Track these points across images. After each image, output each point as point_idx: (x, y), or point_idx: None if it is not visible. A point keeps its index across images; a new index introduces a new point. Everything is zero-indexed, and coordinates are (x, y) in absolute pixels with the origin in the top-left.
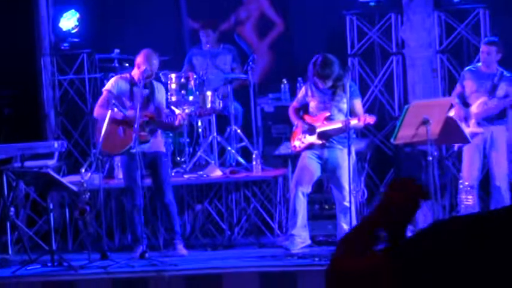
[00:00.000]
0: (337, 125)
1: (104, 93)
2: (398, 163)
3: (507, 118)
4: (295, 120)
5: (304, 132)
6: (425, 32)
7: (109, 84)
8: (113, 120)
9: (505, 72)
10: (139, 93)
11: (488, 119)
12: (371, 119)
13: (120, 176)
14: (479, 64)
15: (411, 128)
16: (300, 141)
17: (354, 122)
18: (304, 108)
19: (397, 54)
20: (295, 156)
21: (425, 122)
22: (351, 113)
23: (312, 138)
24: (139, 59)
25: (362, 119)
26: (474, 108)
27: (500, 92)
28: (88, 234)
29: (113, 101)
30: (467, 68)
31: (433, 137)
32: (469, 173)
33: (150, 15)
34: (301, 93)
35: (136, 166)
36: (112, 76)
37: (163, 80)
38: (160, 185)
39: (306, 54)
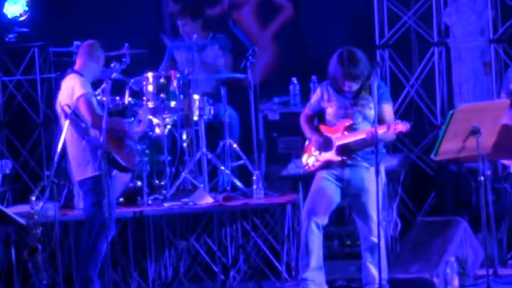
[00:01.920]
0: (361, 136)
1: (85, 98)
2: (441, 185)
3: None
4: (308, 133)
5: (318, 148)
6: (475, 15)
7: (84, 87)
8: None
9: None
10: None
11: None
12: (403, 127)
13: (81, 205)
14: None
15: (457, 139)
16: (314, 158)
17: (381, 131)
18: (319, 116)
19: (440, 44)
20: (307, 178)
21: (475, 132)
22: (380, 121)
23: (329, 155)
24: (83, 55)
25: (392, 127)
26: None
27: None
28: (40, 280)
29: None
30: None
31: (485, 151)
32: None
33: None
34: (315, 97)
35: (115, 190)
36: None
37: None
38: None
39: (321, 46)
